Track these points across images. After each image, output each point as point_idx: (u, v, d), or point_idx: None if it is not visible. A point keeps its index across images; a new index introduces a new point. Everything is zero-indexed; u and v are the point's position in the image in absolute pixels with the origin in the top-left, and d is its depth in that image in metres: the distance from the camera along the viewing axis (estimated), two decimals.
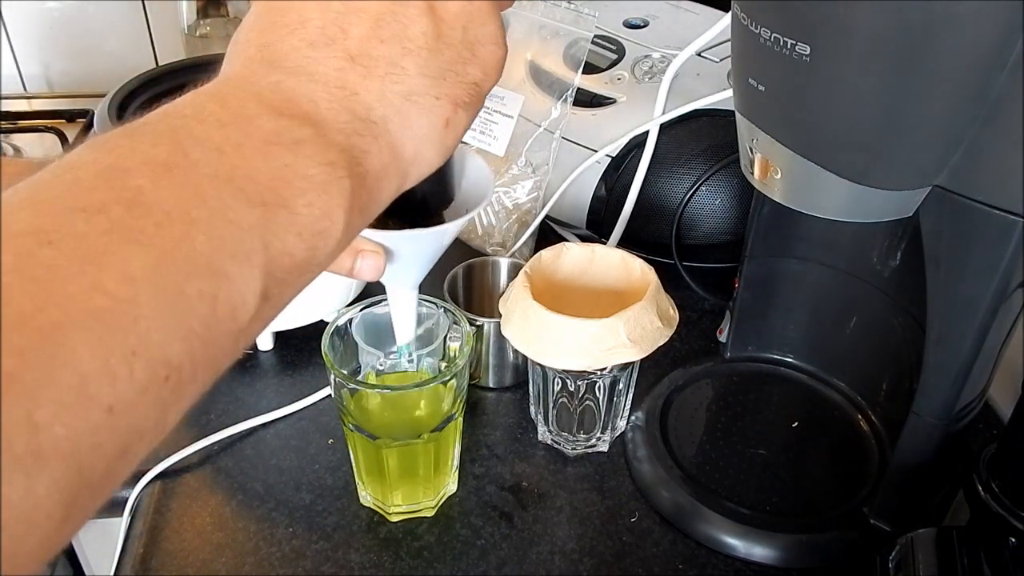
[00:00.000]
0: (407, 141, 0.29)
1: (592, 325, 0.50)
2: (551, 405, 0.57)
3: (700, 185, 0.69)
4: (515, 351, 0.58)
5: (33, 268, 0.19)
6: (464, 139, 0.32)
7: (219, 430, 0.59)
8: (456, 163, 0.39)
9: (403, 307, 0.44)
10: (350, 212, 0.27)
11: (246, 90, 0.26)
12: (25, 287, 0.19)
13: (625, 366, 0.55)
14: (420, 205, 0.36)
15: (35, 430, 0.18)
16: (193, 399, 0.23)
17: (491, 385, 0.64)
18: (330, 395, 0.62)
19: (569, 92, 0.71)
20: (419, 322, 0.54)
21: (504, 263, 0.66)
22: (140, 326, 0.20)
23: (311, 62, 0.27)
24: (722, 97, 0.68)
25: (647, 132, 0.69)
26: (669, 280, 0.57)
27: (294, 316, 0.65)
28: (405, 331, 0.45)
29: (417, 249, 0.39)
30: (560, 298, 0.54)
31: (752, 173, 0.47)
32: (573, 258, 0.58)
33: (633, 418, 0.60)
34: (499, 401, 0.64)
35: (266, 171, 0.24)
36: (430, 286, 0.54)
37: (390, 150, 0.28)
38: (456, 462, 0.55)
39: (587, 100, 0.73)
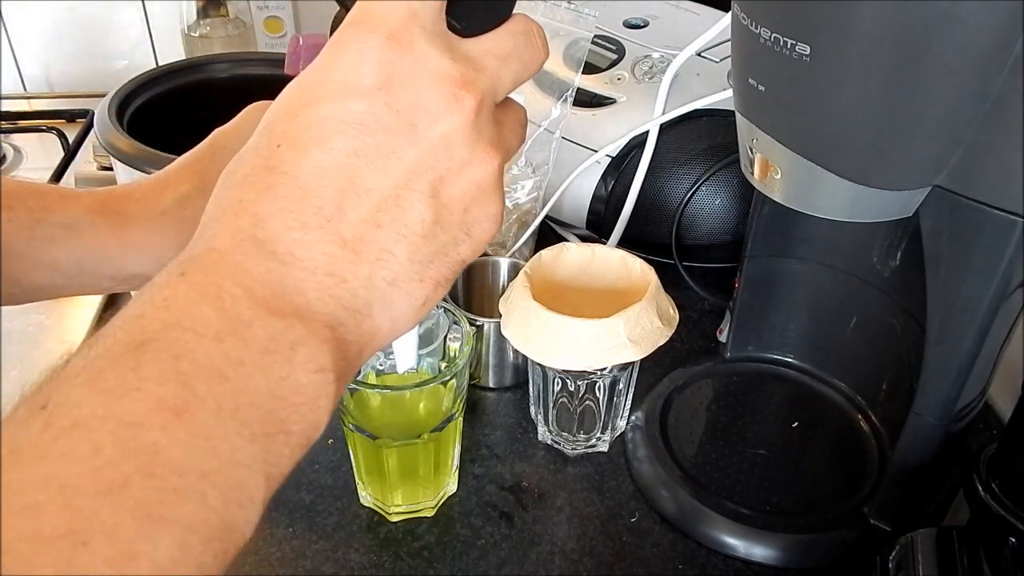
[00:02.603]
0: (384, 324, 0.29)
1: (592, 325, 0.50)
2: (551, 405, 0.57)
3: (700, 185, 0.69)
4: (515, 351, 0.58)
5: None
6: None
7: None
8: None
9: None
10: (331, 412, 0.27)
11: (239, 283, 0.26)
12: None
13: (625, 366, 0.55)
14: None
15: None
16: None
17: (491, 385, 0.64)
18: None
19: (569, 92, 0.71)
20: (419, 322, 0.54)
21: (504, 263, 0.66)
22: None
23: (302, 246, 0.26)
24: (722, 97, 0.68)
25: (647, 132, 0.69)
26: (669, 280, 0.57)
27: None
28: (406, 358, 0.44)
29: None
30: (560, 298, 0.54)
31: (752, 173, 0.47)
32: (573, 258, 0.58)
33: (633, 418, 0.60)
34: (499, 401, 0.64)
35: (265, 392, 0.25)
36: None
37: (368, 335, 0.28)
38: (456, 462, 0.55)
39: (587, 100, 0.73)
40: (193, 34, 1.02)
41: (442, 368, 0.54)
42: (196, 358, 0.24)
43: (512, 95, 0.32)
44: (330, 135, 0.27)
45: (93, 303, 0.71)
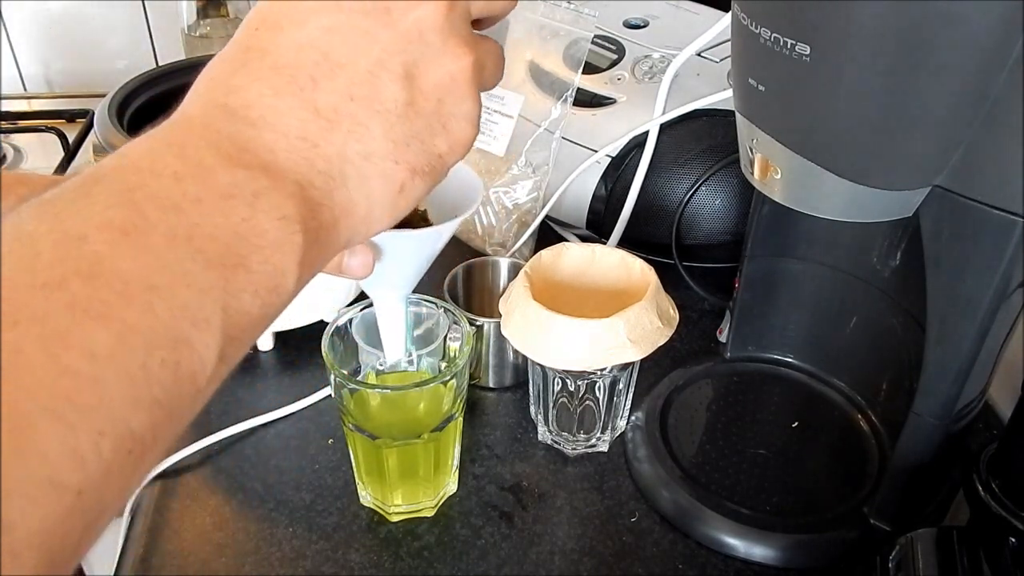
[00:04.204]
0: (360, 200, 0.29)
1: (592, 325, 0.50)
2: (551, 405, 0.57)
3: (700, 185, 0.69)
4: (515, 351, 0.58)
5: None
6: None
7: (219, 430, 0.59)
8: None
9: (391, 320, 0.43)
10: (302, 266, 0.27)
11: (204, 138, 0.26)
12: None
13: (625, 366, 0.55)
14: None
15: (10, 529, 0.18)
16: (155, 463, 0.23)
17: (491, 385, 0.64)
18: (330, 395, 0.62)
19: (569, 92, 0.71)
20: (419, 322, 0.54)
21: (504, 263, 0.66)
22: (106, 405, 0.21)
23: (273, 112, 0.27)
24: (722, 97, 0.68)
25: (647, 132, 0.69)
26: (669, 280, 0.57)
27: (294, 316, 0.65)
28: (395, 347, 0.44)
29: (407, 251, 0.38)
30: (560, 298, 0.54)
31: (752, 173, 0.47)
32: (573, 258, 0.58)
33: (633, 418, 0.60)
34: (499, 401, 0.64)
35: (224, 228, 0.24)
36: (430, 286, 0.54)
37: (343, 206, 0.28)
38: (456, 462, 0.55)
39: (587, 100, 0.73)
40: (193, 34, 1.02)
41: (442, 368, 0.54)
42: (151, 191, 0.24)
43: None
44: (306, 15, 0.28)
45: None
